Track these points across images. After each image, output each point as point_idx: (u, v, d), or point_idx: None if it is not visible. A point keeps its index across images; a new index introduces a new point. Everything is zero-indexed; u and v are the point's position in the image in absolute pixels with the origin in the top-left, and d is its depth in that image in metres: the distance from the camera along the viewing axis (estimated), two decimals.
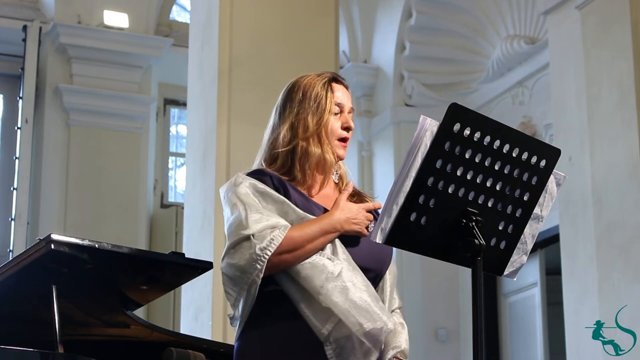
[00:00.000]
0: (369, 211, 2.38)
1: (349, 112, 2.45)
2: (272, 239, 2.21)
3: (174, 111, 9.52)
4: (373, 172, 9.08)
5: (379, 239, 2.01)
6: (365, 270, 2.30)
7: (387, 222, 2.00)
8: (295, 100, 2.42)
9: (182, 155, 9.01)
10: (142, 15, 8.78)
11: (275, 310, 2.26)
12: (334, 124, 2.41)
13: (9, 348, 2.69)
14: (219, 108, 5.38)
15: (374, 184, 9.03)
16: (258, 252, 2.20)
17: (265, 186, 2.31)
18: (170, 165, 9.50)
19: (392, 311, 2.41)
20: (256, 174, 2.35)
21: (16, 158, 8.23)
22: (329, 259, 2.24)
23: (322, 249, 2.26)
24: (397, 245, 2.08)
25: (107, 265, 2.81)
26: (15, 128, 8.33)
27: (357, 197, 2.45)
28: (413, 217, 2.00)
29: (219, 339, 4.70)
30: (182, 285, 4.28)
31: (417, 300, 8.52)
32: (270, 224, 2.23)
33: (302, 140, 2.37)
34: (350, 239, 2.32)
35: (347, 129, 2.42)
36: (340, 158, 2.44)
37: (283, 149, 2.38)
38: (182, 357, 2.93)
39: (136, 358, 3.13)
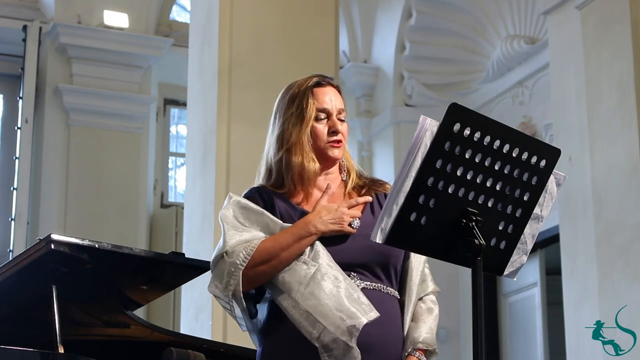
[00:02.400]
0: (370, 204, 2.39)
1: (339, 113, 2.43)
2: (245, 253, 2.24)
3: (174, 111, 9.51)
4: (373, 172, 9.06)
5: (379, 239, 2.01)
6: (361, 265, 2.30)
7: (387, 222, 2.00)
8: (282, 110, 2.43)
9: (182, 155, 9.01)
10: (142, 15, 8.78)
11: (282, 317, 2.27)
12: (320, 129, 2.40)
13: (9, 348, 2.69)
14: (219, 108, 5.38)
15: None
16: (231, 268, 2.24)
17: (248, 201, 2.34)
18: (170, 165, 9.50)
19: (422, 298, 2.41)
20: (248, 193, 2.40)
21: (16, 158, 8.22)
22: (305, 263, 2.24)
23: (302, 254, 2.26)
24: (397, 245, 2.08)
25: (107, 265, 2.81)
26: (15, 128, 8.33)
27: (367, 188, 2.45)
28: (413, 217, 2.00)
29: (219, 339, 4.70)
30: (182, 285, 4.27)
31: None
32: (244, 238, 2.27)
33: (285, 152, 2.38)
34: (337, 239, 2.31)
35: (334, 132, 2.41)
36: (334, 159, 2.43)
37: (274, 161, 2.41)
38: (182, 357, 2.93)
39: (136, 358, 3.13)
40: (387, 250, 2.29)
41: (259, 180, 2.46)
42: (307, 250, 2.27)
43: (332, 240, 2.30)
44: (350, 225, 2.33)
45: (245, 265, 2.23)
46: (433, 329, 2.37)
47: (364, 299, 2.21)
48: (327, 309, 2.17)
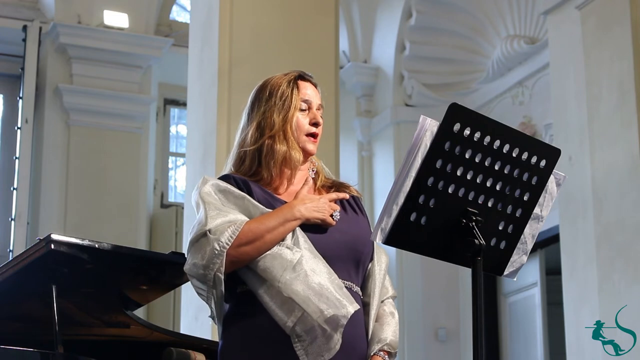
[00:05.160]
0: (341, 200, 2.39)
1: (318, 109, 2.45)
2: (230, 232, 2.21)
3: (174, 111, 9.52)
4: (373, 172, 9.08)
5: (379, 239, 2.01)
6: (336, 259, 2.29)
7: (387, 222, 2.00)
8: (262, 100, 2.44)
9: (182, 155, 9.01)
10: (142, 15, 8.78)
11: (249, 309, 2.26)
12: (302, 120, 2.41)
13: (9, 348, 2.70)
14: (219, 108, 5.38)
15: (374, 184, 9.03)
16: (216, 246, 2.20)
17: (228, 185, 2.32)
18: (170, 165, 9.50)
19: (383, 301, 2.41)
20: (221, 179, 2.37)
21: (16, 158, 8.23)
22: (288, 248, 2.23)
23: (283, 239, 2.25)
24: (397, 245, 2.07)
25: (107, 265, 2.81)
26: (15, 128, 8.33)
27: (335, 188, 2.46)
28: (413, 217, 2.00)
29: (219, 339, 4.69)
30: (182, 285, 4.28)
31: (417, 300, 8.52)
32: (227, 219, 2.24)
33: (268, 139, 2.38)
34: (316, 229, 2.30)
35: (315, 124, 2.43)
36: (309, 153, 2.44)
37: (250, 148, 2.40)
38: (182, 357, 2.93)
39: (136, 358, 3.13)
40: (361, 247, 2.33)
41: (227, 168, 2.44)
42: (289, 235, 2.26)
43: (311, 230, 2.30)
44: (331, 216, 2.33)
45: (230, 244, 2.21)
46: (396, 333, 2.38)
47: (345, 290, 2.22)
48: (312, 295, 2.16)
